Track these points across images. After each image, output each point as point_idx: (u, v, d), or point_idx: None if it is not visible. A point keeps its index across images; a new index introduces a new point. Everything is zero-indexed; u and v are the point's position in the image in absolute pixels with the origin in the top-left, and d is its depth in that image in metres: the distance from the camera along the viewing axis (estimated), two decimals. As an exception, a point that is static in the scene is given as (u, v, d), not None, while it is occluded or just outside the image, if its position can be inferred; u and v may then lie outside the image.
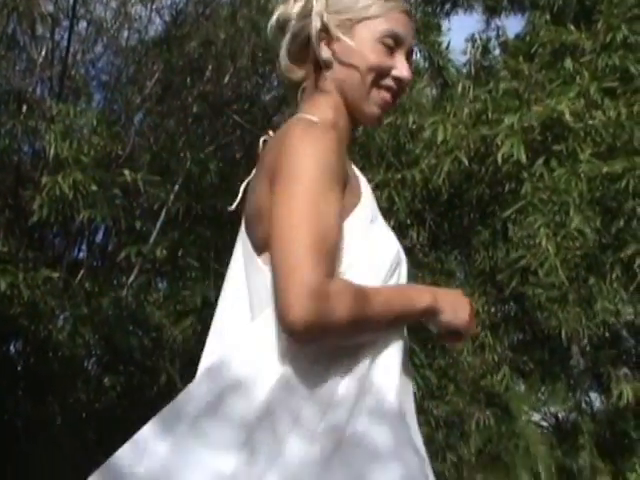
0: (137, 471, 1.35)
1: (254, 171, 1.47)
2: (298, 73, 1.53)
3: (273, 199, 1.32)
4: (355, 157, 5.69)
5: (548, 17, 6.28)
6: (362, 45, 1.48)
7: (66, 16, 5.87)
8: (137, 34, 6.27)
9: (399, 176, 5.14)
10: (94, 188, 4.98)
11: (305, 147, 1.33)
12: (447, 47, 6.91)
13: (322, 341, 1.29)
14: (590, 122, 4.72)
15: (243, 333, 1.38)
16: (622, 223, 4.22)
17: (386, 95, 1.51)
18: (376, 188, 5.38)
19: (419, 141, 5.55)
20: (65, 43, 5.85)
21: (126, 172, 5.28)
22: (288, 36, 1.52)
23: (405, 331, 1.47)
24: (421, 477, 1.33)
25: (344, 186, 1.39)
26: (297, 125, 1.38)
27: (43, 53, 5.85)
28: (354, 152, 5.74)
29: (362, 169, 5.50)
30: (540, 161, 4.78)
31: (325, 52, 1.49)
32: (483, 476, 8.19)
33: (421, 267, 5.81)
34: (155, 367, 5.81)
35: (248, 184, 1.49)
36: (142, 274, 5.81)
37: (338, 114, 1.49)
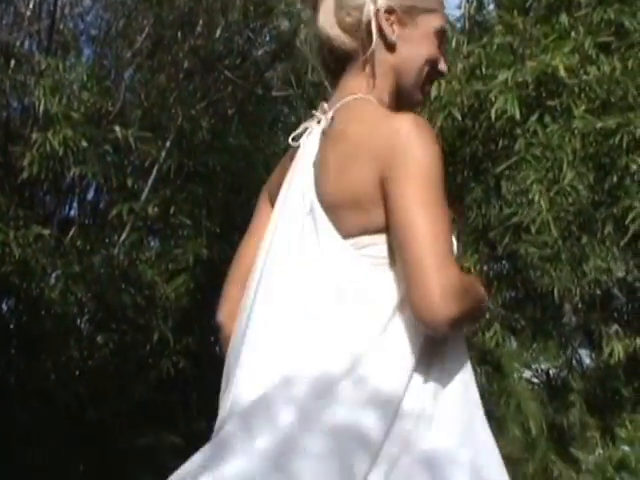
0: None
1: (314, 144, 1.47)
2: (349, 45, 1.52)
3: (398, 196, 1.33)
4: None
5: (543, -30, 6.20)
6: (425, 36, 1.53)
7: (54, -32, 5.78)
8: (126, -13, 6.18)
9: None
10: (84, 145, 4.95)
11: (427, 148, 1.36)
12: (441, 2, 6.83)
13: (464, 327, 1.40)
14: (584, 78, 4.68)
15: (369, 341, 1.36)
16: (615, 179, 4.20)
17: (430, 86, 1.60)
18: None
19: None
20: (53, -4, 5.77)
21: (117, 128, 5.24)
22: (341, 5, 1.52)
23: None
24: None
25: None
26: (410, 121, 1.39)
27: (31, 6, 5.75)
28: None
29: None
30: (534, 117, 4.74)
31: (391, 34, 1.51)
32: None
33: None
34: (148, 325, 5.81)
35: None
36: (134, 232, 5.79)
37: (391, 98, 1.53)
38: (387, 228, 1.38)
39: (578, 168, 4.20)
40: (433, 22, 1.53)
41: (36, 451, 5.05)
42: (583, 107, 4.54)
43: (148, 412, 5.57)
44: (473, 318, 1.41)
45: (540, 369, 8.35)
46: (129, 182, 5.73)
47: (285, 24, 6.28)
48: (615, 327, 8.14)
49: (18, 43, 5.73)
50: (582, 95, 4.69)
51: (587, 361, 8.59)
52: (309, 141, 1.49)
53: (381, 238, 1.39)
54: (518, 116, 4.59)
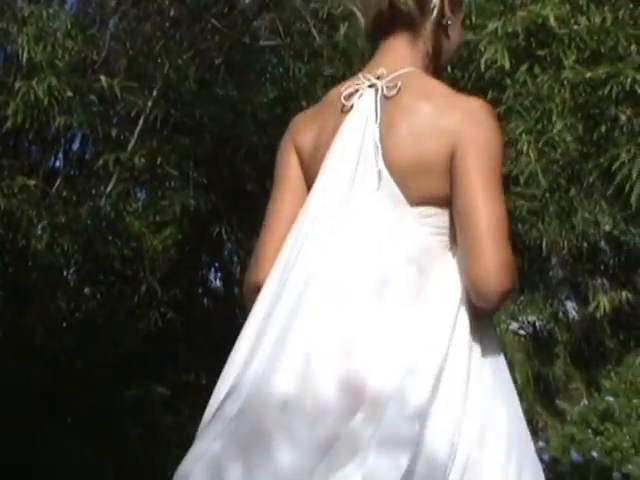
0: None
1: (368, 106, 1.50)
2: (411, 10, 1.56)
3: (464, 173, 1.42)
4: (337, 64, 5.59)
5: None
6: (461, 24, 1.65)
7: None
8: None
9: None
10: (69, 94, 4.89)
11: (495, 131, 1.48)
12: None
13: (505, 302, 1.50)
14: (575, 28, 4.63)
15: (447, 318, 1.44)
16: (604, 130, 4.18)
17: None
18: (357, 95, 5.29)
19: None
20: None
21: (102, 78, 5.18)
22: None
23: None
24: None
25: None
26: (481, 103, 1.50)
27: (13, -47, 5.64)
28: (336, 59, 5.63)
29: (344, 76, 5.38)
30: (523, 67, 4.69)
31: (448, 16, 1.60)
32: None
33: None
34: (135, 277, 5.80)
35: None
36: (120, 183, 5.75)
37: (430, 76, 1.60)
38: (448, 202, 1.46)
39: (567, 119, 4.18)
40: (461, 12, 1.65)
41: (21, 404, 5.06)
42: (573, 57, 4.50)
43: (136, 364, 5.58)
44: (513, 294, 1.57)
45: (527, 321, 8.43)
46: (115, 133, 5.67)
47: (272, -28, 6.20)
48: (601, 280, 8.20)
49: (0, -10, 5.63)
50: (572, 45, 4.64)
51: (573, 313, 8.67)
52: (361, 103, 1.51)
53: (442, 210, 1.47)
54: (508, 66, 4.54)
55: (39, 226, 5.35)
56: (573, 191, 5.33)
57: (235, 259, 7.35)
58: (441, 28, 1.59)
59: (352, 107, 1.52)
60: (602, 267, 8.33)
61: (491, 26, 4.68)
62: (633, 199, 3.45)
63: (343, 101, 1.53)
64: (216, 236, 6.09)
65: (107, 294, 5.88)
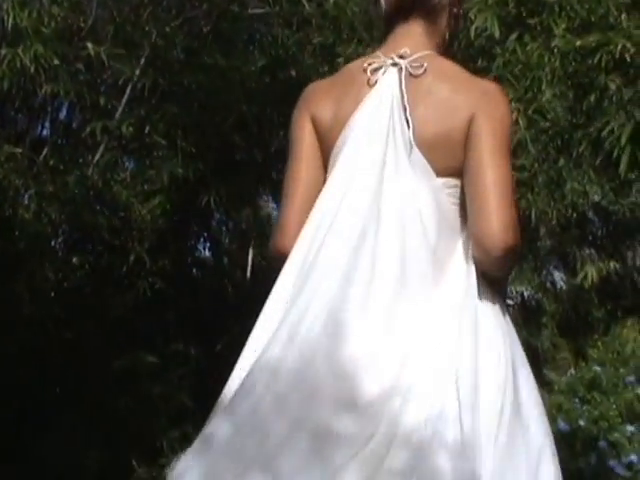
0: None
1: (391, 83, 1.61)
2: (433, 2, 1.70)
3: (476, 144, 1.55)
4: (325, 32, 5.54)
5: None
6: (462, 13, 1.81)
7: None
8: None
9: (370, 50, 5.02)
10: (56, 62, 4.84)
11: (508, 111, 1.64)
12: None
13: (509, 267, 1.61)
14: (566, -5, 4.61)
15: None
16: (593, 99, 4.17)
17: None
18: (346, 63, 5.26)
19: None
20: None
21: (89, 45, 5.12)
22: None
23: None
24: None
25: None
26: (496, 85, 1.66)
27: None
28: (325, 27, 5.58)
29: (333, 45, 5.33)
30: (513, 36, 4.68)
31: (458, 5, 1.77)
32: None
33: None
34: (123, 246, 5.78)
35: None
36: (108, 152, 5.71)
37: None
38: (462, 173, 1.59)
39: (557, 87, 4.17)
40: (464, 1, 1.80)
41: (9, 374, 5.05)
42: (563, 26, 4.49)
43: (125, 333, 5.58)
44: (517, 256, 1.59)
45: (515, 291, 8.45)
46: (102, 101, 5.62)
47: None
48: (589, 250, 8.23)
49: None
50: (562, 14, 4.62)
51: (561, 284, 8.70)
52: (385, 79, 1.62)
53: (459, 182, 1.60)
54: (498, 35, 4.52)
55: (26, 195, 5.32)
56: (562, 161, 5.33)
57: (224, 229, 7.34)
58: (452, 16, 1.72)
59: (376, 82, 1.63)
60: (590, 237, 8.36)
61: (481, -6, 4.65)
62: (622, 167, 3.44)
63: (369, 75, 1.62)
64: (204, 206, 6.07)
65: (95, 264, 5.86)
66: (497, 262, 1.54)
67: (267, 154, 6.27)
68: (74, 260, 5.89)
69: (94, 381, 5.23)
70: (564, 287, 8.61)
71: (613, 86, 4.03)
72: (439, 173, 1.58)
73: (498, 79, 4.21)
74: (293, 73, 5.80)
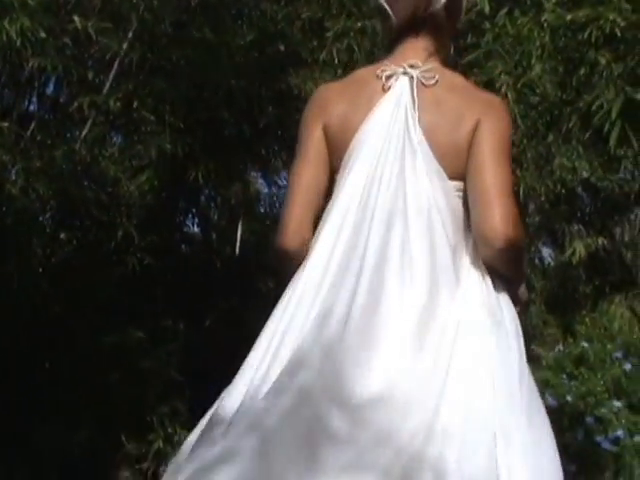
0: None
1: (403, 90, 1.71)
2: (441, 14, 1.76)
3: (479, 149, 1.65)
4: (314, 7, 5.51)
5: None
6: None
7: None
8: None
9: (359, 25, 4.99)
10: (43, 35, 4.79)
11: (509, 121, 1.75)
12: None
13: (514, 256, 1.67)
14: (556, -30, 4.57)
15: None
16: (583, 74, 4.16)
17: None
18: (335, 39, 5.22)
19: (380, -10, 5.36)
20: None
21: (76, 19, 5.07)
22: None
23: None
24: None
25: None
26: (499, 98, 1.83)
27: None
28: (314, 1, 5.55)
29: (321, 19, 5.27)
30: (503, 11, 4.64)
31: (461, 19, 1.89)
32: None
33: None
34: (112, 222, 5.76)
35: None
36: (96, 127, 5.67)
37: None
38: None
39: (547, 62, 4.15)
40: None
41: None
42: (553, 0, 4.46)
43: (113, 309, 5.58)
44: (520, 250, 1.68)
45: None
46: (90, 75, 5.58)
47: None
48: (578, 226, 8.25)
49: None
50: (553, -12, 4.59)
51: (549, 260, 8.74)
52: (398, 87, 1.71)
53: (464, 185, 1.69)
54: (487, 10, 4.49)
55: (13, 170, 5.28)
56: (551, 137, 5.33)
57: (212, 205, 7.32)
58: (455, 29, 1.85)
59: (390, 88, 1.72)
60: (579, 213, 8.38)
61: (471, -32, 4.62)
62: (612, 142, 3.44)
63: (384, 81, 1.71)
64: (193, 181, 6.05)
65: (83, 239, 5.84)
66: (500, 254, 1.62)
67: (256, 129, 6.24)
68: (62, 236, 5.87)
69: (83, 357, 5.22)
70: (552, 263, 8.64)
71: (603, 61, 4.01)
72: (448, 177, 1.68)
73: (488, 54, 4.20)
74: (282, 48, 5.77)
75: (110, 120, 5.81)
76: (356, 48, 5.11)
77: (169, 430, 5.26)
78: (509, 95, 3.89)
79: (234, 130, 6.27)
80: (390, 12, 1.76)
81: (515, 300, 1.73)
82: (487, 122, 1.67)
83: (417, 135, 1.67)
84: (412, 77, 1.72)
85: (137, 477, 5.36)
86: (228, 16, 5.97)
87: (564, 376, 7.50)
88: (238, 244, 6.94)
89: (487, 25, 4.66)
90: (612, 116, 3.39)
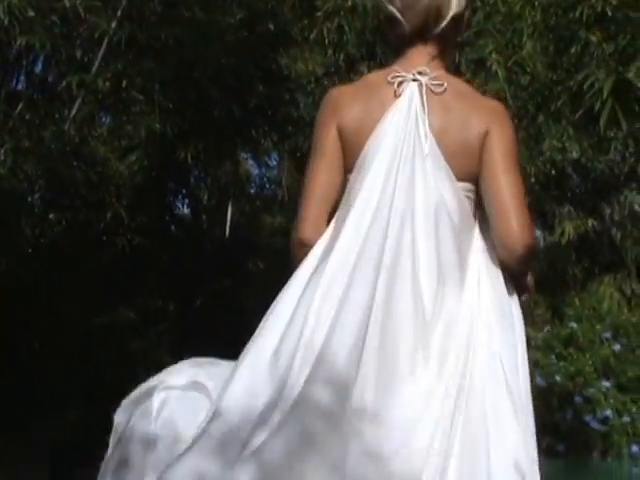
0: None
1: (413, 96, 1.80)
2: (447, 24, 1.82)
3: (491, 157, 1.75)
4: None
5: None
6: None
7: None
8: None
9: (349, 3, 4.96)
10: (31, 13, 4.75)
11: (513, 127, 1.83)
12: None
13: (530, 258, 1.78)
14: (547, -52, 4.55)
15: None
16: (574, 53, 4.15)
17: None
18: (326, 18, 5.20)
19: (371, -31, 5.34)
20: None
21: (64, -4, 5.03)
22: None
23: None
24: None
25: None
26: (502, 105, 1.85)
27: None
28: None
29: (311, -1, 5.10)
30: (495, -9, 4.63)
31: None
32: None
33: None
34: (101, 202, 5.73)
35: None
36: (85, 106, 5.63)
37: None
38: (477, 178, 1.79)
39: (538, 42, 4.14)
40: None
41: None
42: (545, -22, 4.44)
43: (104, 289, 5.56)
44: (536, 251, 1.80)
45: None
46: (78, 54, 5.54)
47: None
48: (568, 207, 8.26)
49: None
50: (544, -32, 4.57)
51: (539, 241, 8.74)
52: (408, 93, 1.81)
53: (474, 186, 1.79)
54: (479, -11, 4.48)
55: (2, 150, 5.25)
56: (541, 117, 5.32)
57: (202, 185, 7.30)
58: (458, 39, 1.94)
59: (401, 94, 1.81)
60: (569, 194, 8.39)
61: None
62: (602, 122, 3.43)
63: (395, 86, 1.80)
64: (183, 162, 6.02)
65: (73, 220, 5.82)
66: (520, 259, 1.74)
67: (246, 110, 6.21)
68: (51, 216, 5.84)
69: (73, 336, 5.21)
70: (542, 244, 8.65)
71: (594, 40, 4.00)
72: (457, 178, 1.77)
73: (479, 33, 4.18)
74: (272, 26, 5.73)
75: (99, 99, 5.76)
76: (347, 28, 5.09)
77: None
78: (499, 73, 3.88)
79: (224, 110, 6.24)
80: (402, 20, 1.84)
81: (524, 288, 1.85)
82: (497, 130, 1.78)
83: (428, 138, 1.78)
84: (421, 84, 1.81)
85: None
86: (217, -6, 5.94)
87: (553, 356, 7.54)
88: (228, 225, 6.93)
89: (478, 3, 4.65)
90: (603, 95, 3.39)
